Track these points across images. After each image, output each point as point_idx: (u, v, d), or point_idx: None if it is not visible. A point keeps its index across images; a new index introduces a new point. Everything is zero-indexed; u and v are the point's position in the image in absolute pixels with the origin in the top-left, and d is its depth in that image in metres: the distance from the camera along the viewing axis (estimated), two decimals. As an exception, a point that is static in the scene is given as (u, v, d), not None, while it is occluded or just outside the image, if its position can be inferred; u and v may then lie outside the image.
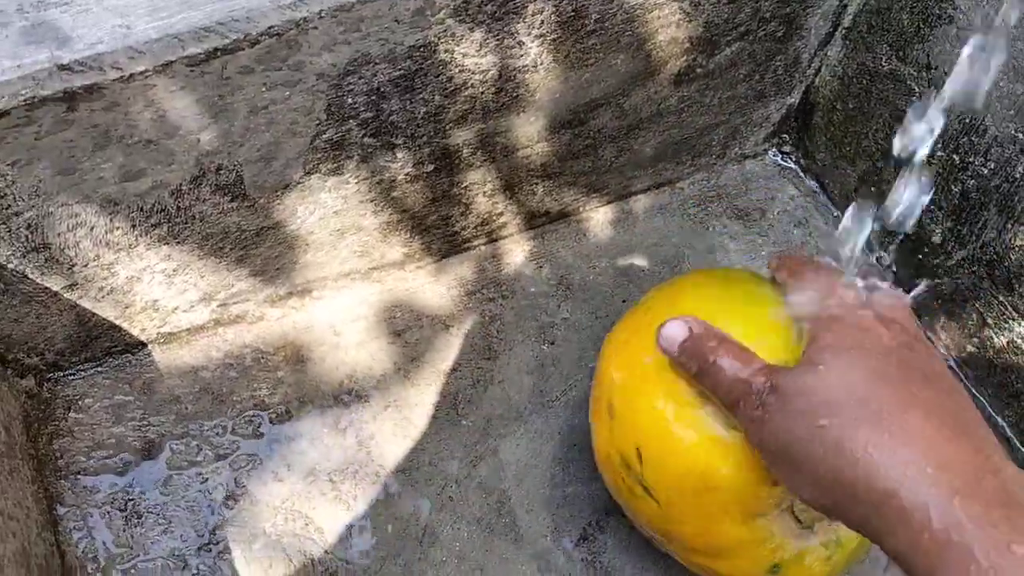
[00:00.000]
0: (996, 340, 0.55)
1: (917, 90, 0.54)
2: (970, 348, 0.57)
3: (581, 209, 0.64)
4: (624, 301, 0.61)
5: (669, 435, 0.40)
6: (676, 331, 0.39)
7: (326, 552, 0.50)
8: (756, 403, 0.35)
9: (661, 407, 0.40)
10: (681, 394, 0.40)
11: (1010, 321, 0.53)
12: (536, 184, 0.59)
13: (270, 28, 0.40)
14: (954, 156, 0.53)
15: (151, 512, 0.51)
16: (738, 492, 0.38)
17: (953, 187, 0.54)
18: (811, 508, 0.34)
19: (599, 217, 0.64)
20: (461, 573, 0.50)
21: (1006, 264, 0.52)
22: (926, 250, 0.58)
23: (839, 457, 0.31)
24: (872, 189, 0.61)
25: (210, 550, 0.50)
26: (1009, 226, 0.51)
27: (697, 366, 0.38)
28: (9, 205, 0.42)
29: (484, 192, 0.57)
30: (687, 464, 0.39)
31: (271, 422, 0.54)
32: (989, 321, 0.55)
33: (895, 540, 0.30)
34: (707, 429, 0.39)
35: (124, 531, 0.50)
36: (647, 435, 0.41)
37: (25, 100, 0.38)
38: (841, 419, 0.32)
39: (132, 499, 0.51)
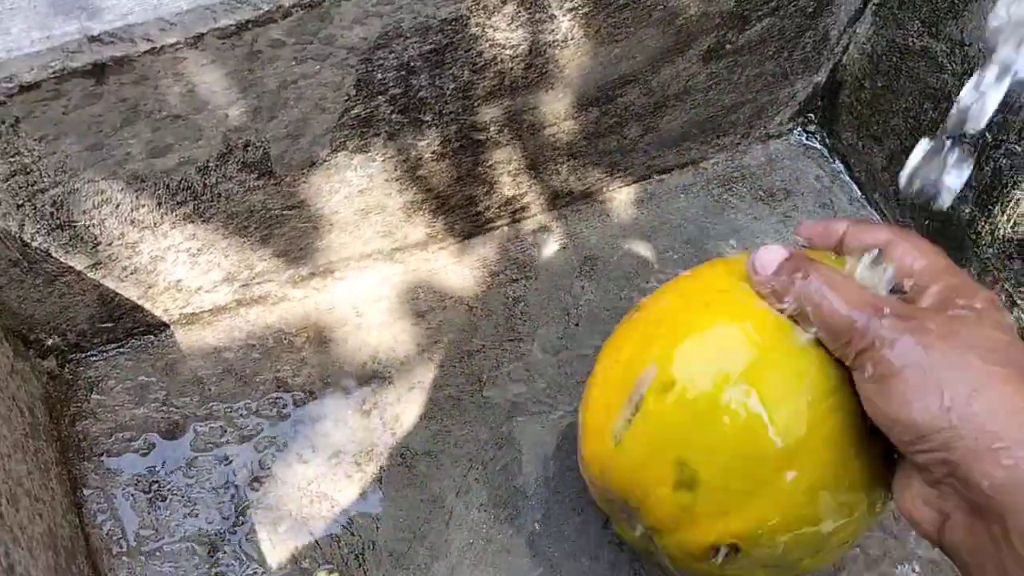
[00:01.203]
0: (1028, 320, 0.54)
1: (950, 67, 0.54)
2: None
3: (605, 189, 0.63)
4: (647, 282, 0.60)
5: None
6: (773, 251, 0.37)
7: (352, 534, 0.50)
8: (878, 335, 0.33)
9: None
10: None
11: (1043, 301, 0.53)
12: (561, 163, 0.58)
13: (302, -1, 0.39)
14: (987, 134, 0.53)
15: (175, 494, 0.50)
16: None
17: (985, 166, 0.53)
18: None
19: (623, 197, 0.64)
20: (488, 555, 0.50)
21: (1039, 244, 0.52)
22: (955, 228, 0.57)
23: (963, 389, 0.31)
24: (901, 169, 0.60)
25: (235, 532, 0.49)
26: (1044, 205, 0.51)
27: (800, 289, 0.35)
28: (35, 181, 0.41)
29: (509, 171, 0.57)
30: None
31: (295, 403, 0.53)
32: (1019, 301, 0.54)
33: (968, 456, 0.30)
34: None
35: (149, 513, 0.49)
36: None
37: (54, 72, 0.37)
38: (978, 361, 0.31)
39: (156, 481, 0.50)
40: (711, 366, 0.37)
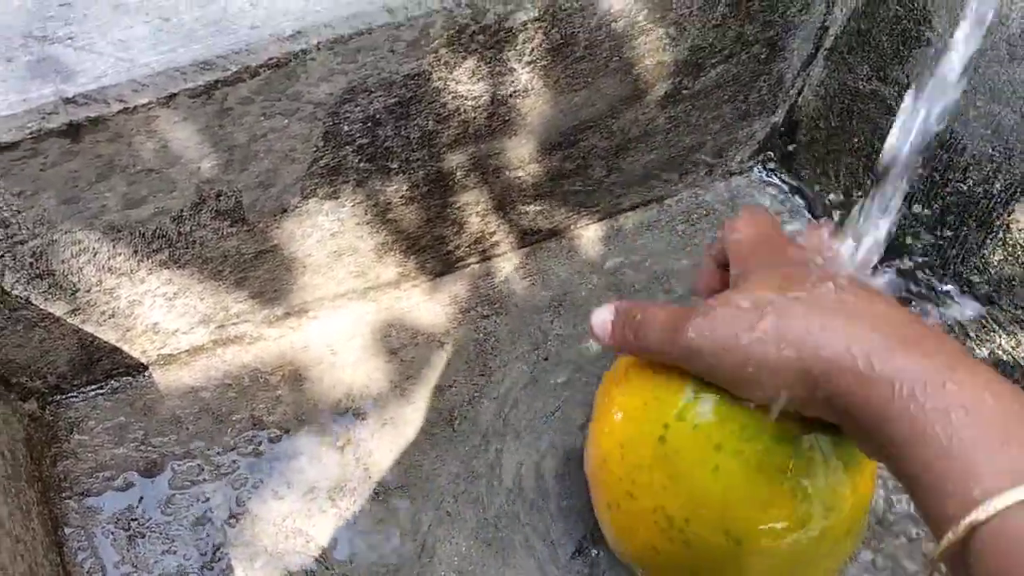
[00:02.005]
0: (978, 352, 0.56)
1: (896, 109, 0.56)
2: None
3: (572, 227, 0.65)
4: (615, 317, 0.62)
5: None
6: (602, 315, 0.40)
7: (327, 569, 0.51)
8: (688, 329, 0.35)
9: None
10: None
11: (991, 333, 0.55)
12: (528, 203, 0.60)
13: (269, 60, 0.41)
14: (935, 174, 0.55)
15: (154, 531, 0.52)
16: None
17: (934, 203, 0.56)
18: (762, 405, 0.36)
19: (589, 234, 0.66)
20: (459, 587, 0.51)
21: (986, 278, 0.54)
22: (909, 265, 0.59)
23: (783, 342, 0.32)
24: (855, 204, 0.62)
25: (212, 568, 0.51)
26: (988, 241, 0.53)
27: (632, 333, 0.39)
28: (14, 234, 0.43)
29: (477, 212, 0.59)
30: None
31: (270, 441, 0.55)
32: (971, 334, 0.57)
33: (845, 399, 0.32)
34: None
35: (128, 551, 0.51)
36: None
37: (31, 133, 0.39)
38: (778, 309, 0.33)
39: (135, 519, 0.52)
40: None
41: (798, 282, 0.35)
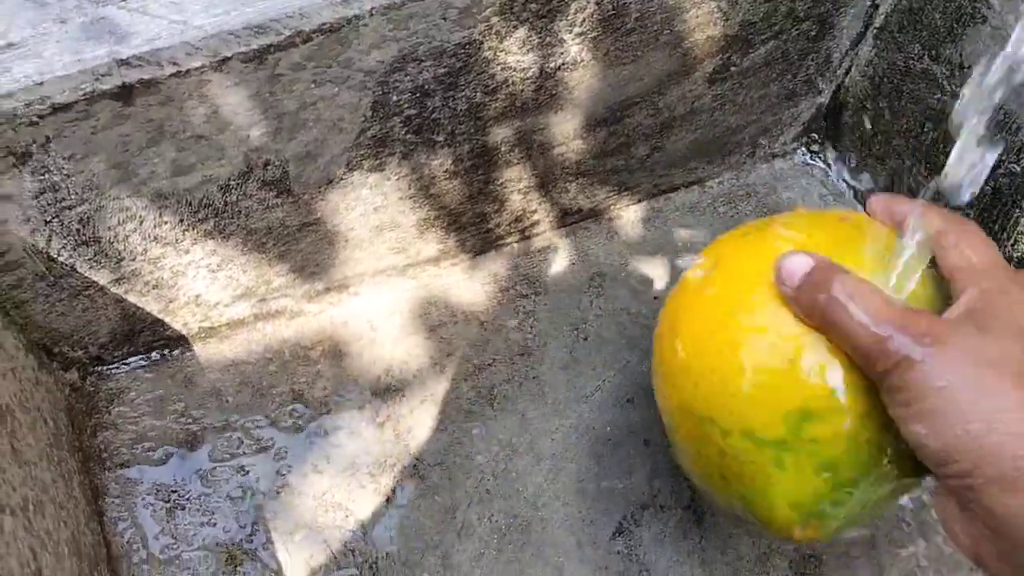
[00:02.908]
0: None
1: (949, 89, 0.55)
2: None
3: (612, 207, 0.64)
4: (656, 298, 0.61)
5: None
6: (798, 261, 0.35)
7: (366, 544, 0.51)
8: (901, 354, 0.32)
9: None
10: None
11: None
12: (570, 182, 0.60)
13: (323, 25, 0.41)
14: (986, 154, 0.54)
15: (193, 504, 0.51)
16: None
17: (986, 185, 0.55)
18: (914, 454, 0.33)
19: (630, 215, 0.65)
20: (499, 565, 0.51)
21: (1039, 261, 0.53)
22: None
23: (984, 416, 0.30)
24: (902, 188, 0.61)
25: (252, 541, 0.51)
26: (1042, 223, 0.52)
27: (823, 305, 0.34)
28: (63, 199, 0.43)
29: (519, 189, 0.58)
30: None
31: (310, 415, 0.55)
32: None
33: (991, 483, 0.30)
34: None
35: (167, 522, 0.51)
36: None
37: (85, 94, 0.39)
38: (1001, 384, 0.30)
39: (175, 491, 0.52)
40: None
41: None
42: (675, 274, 0.62)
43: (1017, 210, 0.53)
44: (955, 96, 0.55)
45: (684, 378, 0.41)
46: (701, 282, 0.42)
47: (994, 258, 0.35)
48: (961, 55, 0.54)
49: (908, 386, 0.31)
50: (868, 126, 0.63)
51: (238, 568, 0.50)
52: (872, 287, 0.34)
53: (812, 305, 0.35)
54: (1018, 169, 0.52)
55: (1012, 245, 0.54)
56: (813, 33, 0.57)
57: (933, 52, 0.56)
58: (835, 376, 0.35)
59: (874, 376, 0.33)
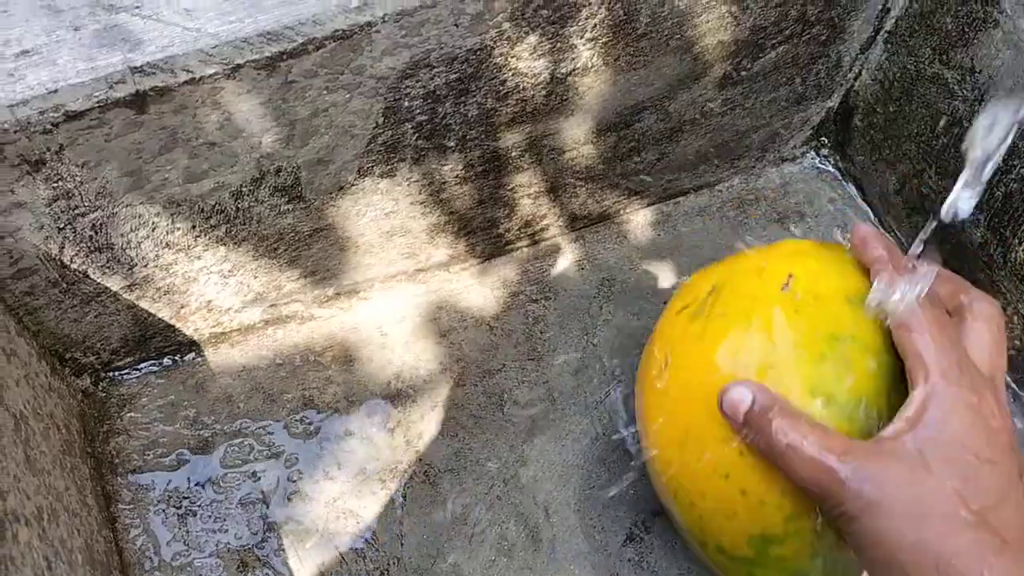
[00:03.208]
0: (1041, 341, 0.55)
1: (960, 94, 0.55)
2: (1010, 352, 0.57)
3: (622, 211, 0.64)
4: (665, 302, 0.61)
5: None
6: (738, 396, 0.36)
7: (377, 550, 0.51)
8: (839, 499, 0.33)
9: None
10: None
11: (1055, 322, 0.54)
12: (579, 186, 0.60)
13: (336, 32, 0.41)
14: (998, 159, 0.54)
15: (205, 510, 0.51)
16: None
17: (996, 190, 0.54)
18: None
19: (639, 219, 0.65)
20: (510, 572, 0.51)
21: (1051, 265, 0.53)
22: (967, 252, 0.58)
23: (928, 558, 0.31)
24: (912, 193, 0.61)
25: (263, 547, 0.51)
26: (1055, 228, 0.52)
27: (765, 444, 0.35)
28: (76, 205, 0.43)
29: (529, 194, 0.58)
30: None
31: (321, 421, 0.55)
32: (1032, 322, 0.55)
33: None
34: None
35: (179, 529, 0.51)
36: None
37: (99, 102, 0.39)
38: (934, 528, 0.32)
39: (187, 497, 0.52)
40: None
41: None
42: (683, 280, 0.62)
43: (1029, 215, 0.53)
44: (965, 100, 0.55)
45: (659, 474, 0.43)
46: (658, 379, 0.43)
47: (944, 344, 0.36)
48: (972, 60, 0.53)
49: (846, 515, 0.33)
50: (878, 131, 0.63)
51: (249, 574, 0.50)
52: (809, 423, 0.35)
53: (756, 443, 0.36)
54: (1030, 173, 0.52)
55: (1023, 251, 0.54)
56: (824, 37, 0.57)
57: (944, 56, 0.55)
58: (787, 503, 0.37)
59: (825, 516, 0.35)
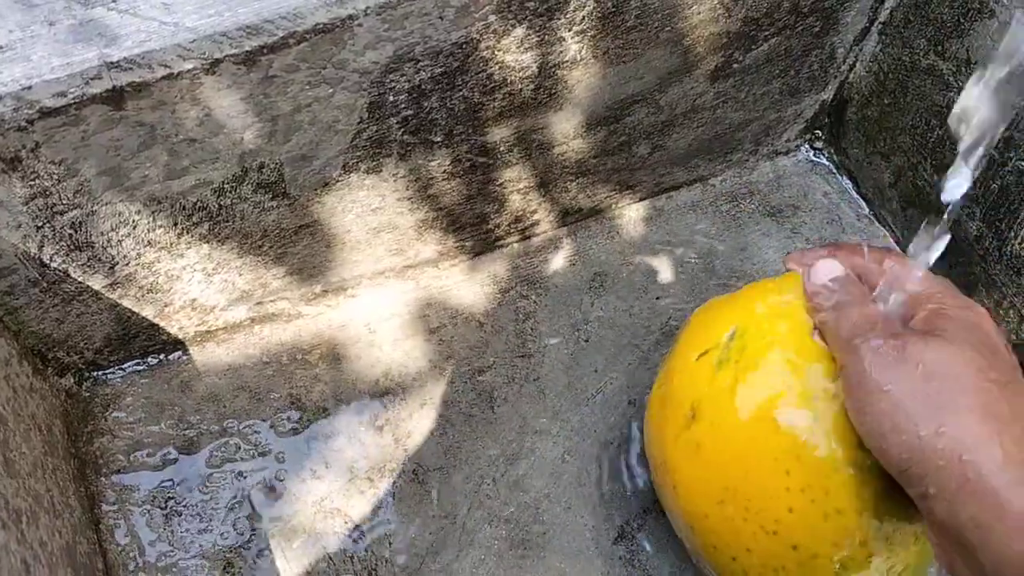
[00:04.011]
0: (1036, 336, 0.54)
1: (956, 85, 0.54)
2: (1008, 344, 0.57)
3: (614, 206, 0.64)
4: (658, 298, 0.60)
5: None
6: (829, 270, 0.39)
7: (365, 550, 0.50)
8: (873, 344, 0.35)
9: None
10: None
11: (1051, 317, 0.53)
12: (570, 181, 0.59)
13: (317, 25, 0.40)
14: (992, 152, 0.53)
15: (191, 510, 0.51)
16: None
17: (992, 183, 0.54)
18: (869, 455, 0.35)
19: (631, 214, 0.64)
20: (500, 571, 0.50)
21: (1047, 260, 0.52)
22: (963, 244, 0.57)
23: (933, 423, 0.32)
24: (907, 185, 0.60)
25: (250, 548, 0.50)
26: (1050, 221, 0.51)
27: (835, 300, 0.38)
28: (54, 204, 0.42)
29: (518, 189, 0.57)
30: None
31: (309, 420, 0.54)
32: (1027, 317, 0.55)
33: (943, 492, 0.32)
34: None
35: (165, 529, 0.50)
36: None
37: (74, 98, 0.38)
38: (949, 392, 0.33)
39: (172, 497, 0.51)
40: None
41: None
42: (677, 273, 0.61)
43: (1024, 208, 0.53)
44: (961, 91, 0.54)
45: (690, 527, 0.43)
46: (685, 431, 0.42)
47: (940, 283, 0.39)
48: (968, 51, 0.53)
49: (855, 385, 0.35)
50: (872, 123, 0.62)
51: (236, 575, 0.49)
52: (865, 293, 0.38)
53: (821, 304, 0.39)
54: (1025, 166, 0.52)
55: (1019, 243, 0.53)
56: (817, 29, 0.56)
57: (939, 47, 0.55)
58: (840, 554, 0.37)
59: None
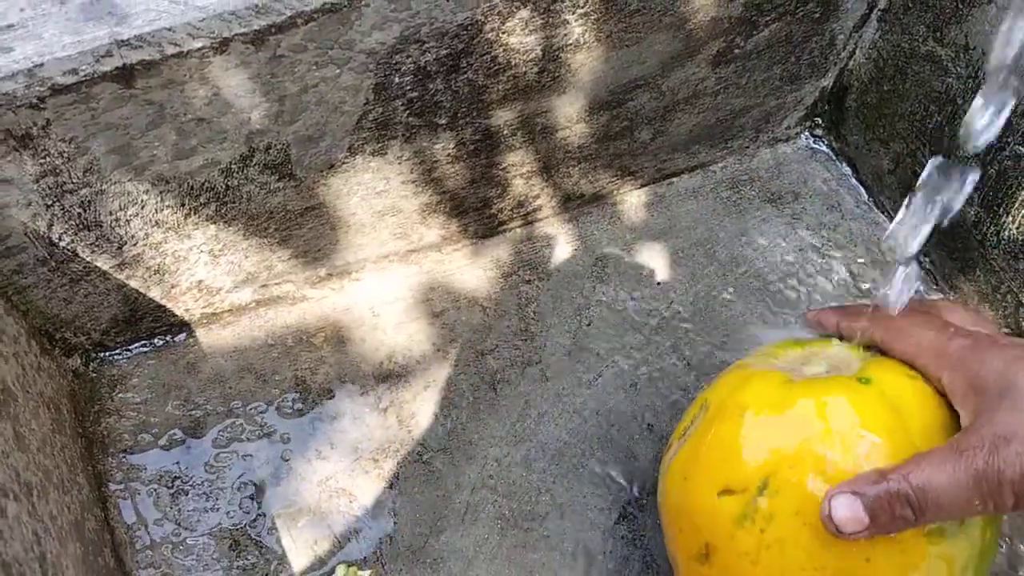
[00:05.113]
0: (1034, 319, 0.55)
1: (955, 71, 0.55)
2: (1004, 330, 0.57)
3: (615, 192, 0.64)
4: (659, 283, 0.61)
5: None
6: (846, 504, 0.34)
7: (370, 529, 0.51)
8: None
9: None
10: None
11: (1048, 300, 0.54)
12: (572, 166, 0.59)
13: (324, 4, 0.40)
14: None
15: (197, 489, 0.51)
16: None
17: (990, 168, 0.54)
18: None
19: (633, 200, 0.65)
20: (502, 550, 0.51)
21: (1044, 243, 0.53)
22: (960, 230, 0.58)
23: None
24: (906, 172, 0.61)
25: (255, 526, 0.50)
26: (1048, 205, 0.52)
27: (911, 511, 0.34)
28: (64, 183, 0.43)
29: (521, 174, 0.58)
30: None
31: (314, 401, 0.55)
32: (1025, 301, 0.55)
33: None
34: None
35: (171, 508, 0.51)
36: None
37: (85, 76, 0.38)
38: None
39: (179, 477, 0.52)
40: None
41: None
42: (678, 259, 0.62)
43: (1022, 192, 0.53)
44: (959, 77, 0.55)
45: None
46: (701, 569, 0.41)
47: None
48: (967, 37, 0.53)
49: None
50: (872, 110, 0.63)
51: (242, 553, 0.50)
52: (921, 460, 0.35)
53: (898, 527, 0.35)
54: (1023, 151, 0.52)
55: (1017, 228, 0.54)
56: (817, 15, 0.57)
57: (938, 34, 0.55)
58: None
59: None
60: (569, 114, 0.54)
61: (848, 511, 0.34)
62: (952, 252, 0.59)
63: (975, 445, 0.33)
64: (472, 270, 0.61)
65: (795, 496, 0.37)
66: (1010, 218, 0.54)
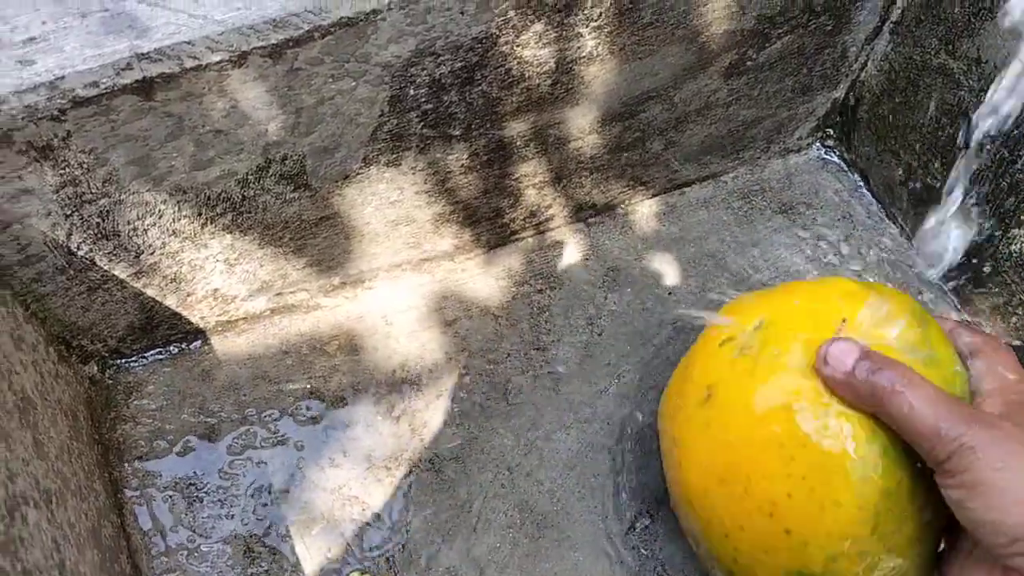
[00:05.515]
0: (1046, 331, 0.55)
1: (967, 84, 0.55)
2: (1016, 344, 0.57)
3: (627, 201, 0.64)
4: (670, 294, 0.61)
5: None
6: (846, 350, 0.37)
7: (383, 537, 0.51)
8: (960, 441, 0.33)
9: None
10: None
11: (1060, 312, 0.54)
12: (584, 176, 0.60)
13: (341, 19, 0.41)
14: (1003, 149, 0.54)
15: (212, 496, 0.52)
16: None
17: (1002, 180, 0.54)
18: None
19: (644, 210, 0.65)
20: (515, 559, 0.51)
21: (1056, 255, 0.53)
22: (973, 241, 0.58)
23: None
24: (918, 183, 0.61)
25: (269, 534, 0.51)
26: (1060, 217, 0.52)
27: (881, 393, 0.35)
28: (83, 192, 0.43)
29: (534, 184, 0.58)
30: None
31: (327, 409, 0.55)
32: (1037, 313, 0.55)
33: None
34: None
35: (187, 515, 0.51)
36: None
37: (105, 88, 0.39)
38: None
39: (194, 484, 0.52)
40: None
41: None
42: (689, 269, 0.62)
43: (1034, 204, 0.53)
44: (971, 90, 0.55)
45: (688, 500, 0.44)
46: (698, 410, 0.42)
47: (1017, 379, 0.38)
48: (979, 50, 0.53)
49: (967, 468, 0.33)
50: (883, 122, 0.63)
51: (256, 560, 0.50)
52: (923, 378, 0.36)
53: (870, 392, 0.36)
54: (1036, 163, 0.52)
55: (1029, 240, 0.54)
56: (829, 27, 0.57)
57: (950, 47, 0.55)
58: (832, 545, 0.37)
59: (931, 462, 0.35)
60: (582, 125, 0.55)
61: (841, 351, 0.37)
62: (963, 265, 0.60)
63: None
64: (484, 279, 0.61)
65: (788, 323, 0.41)
66: (1022, 231, 0.54)
